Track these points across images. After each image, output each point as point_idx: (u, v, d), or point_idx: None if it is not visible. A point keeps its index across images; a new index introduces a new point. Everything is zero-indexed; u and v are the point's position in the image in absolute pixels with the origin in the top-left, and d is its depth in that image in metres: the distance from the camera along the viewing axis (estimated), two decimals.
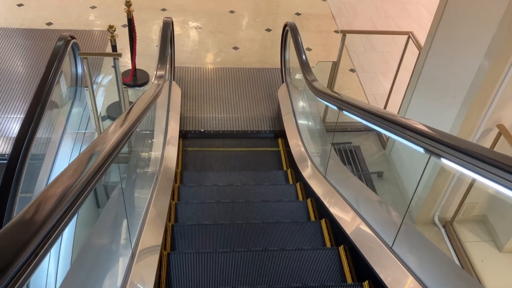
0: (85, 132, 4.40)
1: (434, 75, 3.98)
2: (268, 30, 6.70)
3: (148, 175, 3.42)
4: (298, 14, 7.09)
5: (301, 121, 4.61)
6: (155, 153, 3.59)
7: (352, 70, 6.08)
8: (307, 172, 3.69)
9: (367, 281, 2.46)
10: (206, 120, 5.13)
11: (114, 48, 4.62)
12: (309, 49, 6.35)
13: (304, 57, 4.31)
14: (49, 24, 6.36)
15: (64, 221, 1.11)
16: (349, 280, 2.63)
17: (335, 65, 4.61)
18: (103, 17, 6.61)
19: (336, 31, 6.81)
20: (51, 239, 1.02)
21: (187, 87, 5.55)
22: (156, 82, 3.51)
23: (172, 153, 3.80)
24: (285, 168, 4.25)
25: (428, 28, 7.09)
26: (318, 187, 3.41)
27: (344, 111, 3.08)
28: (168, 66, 5.28)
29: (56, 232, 1.05)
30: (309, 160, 3.85)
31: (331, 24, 6.96)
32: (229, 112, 5.27)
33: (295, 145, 4.16)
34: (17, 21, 6.36)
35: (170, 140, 3.94)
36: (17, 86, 5.36)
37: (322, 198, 3.21)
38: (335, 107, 3.26)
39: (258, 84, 5.70)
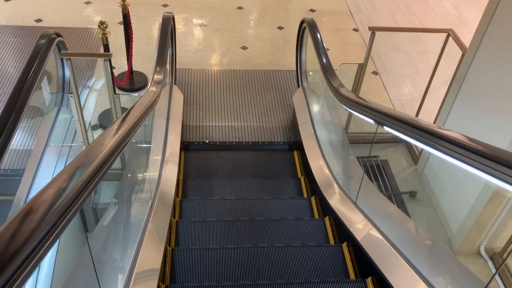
0: (71, 146, 3.80)
1: (483, 80, 3.35)
2: (280, 28, 6.08)
3: (141, 202, 2.81)
4: (312, 10, 6.46)
5: (321, 133, 3.98)
6: (151, 174, 2.98)
7: (375, 73, 5.45)
8: (334, 200, 3.07)
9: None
10: (211, 130, 4.51)
11: (106, 47, 4.01)
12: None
13: (326, 59, 3.69)
14: (38, 20, 5.76)
15: (43, 249, 0.96)
16: None
17: (362, 68, 3.98)
18: (99, 14, 6.01)
19: (355, 29, 6.18)
20: (27, 270, 0.89)
21: (190, 92, 4.94)
22: (152, 88, 2.90)
23: (171, 174, 3.18)
24: (306, 195, 3.61)
25: (456, 26, 6.49)
26: (350, 221, 2.79)
27: (385, 127, 2.46)
28: (168, 67, 4.67)
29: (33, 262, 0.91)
30: (335, 185, 3.22)
31: (349, 22, 6.33)
32: (237, 120, 4.66)
33: (318, 166, 3.52)
34: (4, 17, 5.77)
35: (169, 158, 3.32)
36: (1, 89, 4.77)
37: (361, 242, 2.59)
38: (371, 121, 2.63)
39: (270, 89, 5.08)
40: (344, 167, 3.62)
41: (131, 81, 4.91)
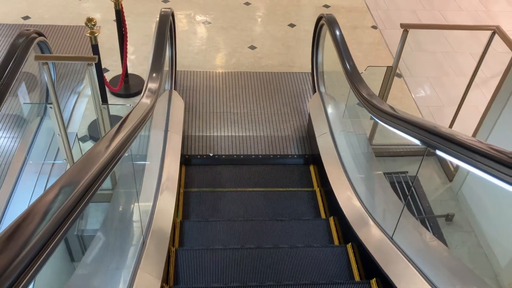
0: (53, 163, 3.28)
1: None
2: (292, 25, 5.53)
3: (129, 241, 2.28)
4: (326, 6, 5.91)
5: (343, 147, 3.44)
6: (143, 205, 2.45)
7: (398, 75, 4.89)
8: (367, 236, 2.52)
9: None
10: (216, 141, 3.98)
11: (95, 48, 3.48)
12: None
13: (351, 62, 3.16)
14: (26, 18, 5.24)
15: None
16: None
17: (391, 71, 3.44)
18: (93, 10, 5.49)
19: (374, 27, 5.63)
20: None
21: (193, 98, 4.41)
22: (145, 100, 2.37)
23: (167, 204, 2.64)
24: (336, 241, 3.06)
25: (484, 22, 5.93)
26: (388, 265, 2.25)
27: (439, 151, 1.92)
28: (168, 70, 4.15)
29: None
30: (370, 220, 2.67)
31: (367, 18, 5.78)
32: (245, 130, 4.12)
33: (345, 196, 2.96)
34: None
35: (166, 184, 2.78)
36: None
37: None
38: (418, 141, 2.09)
39: (281, 93, 4.53)
40: (373, 191, 3.08)
41: (126, 86, 4.38)
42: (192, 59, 4.90)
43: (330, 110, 3.83)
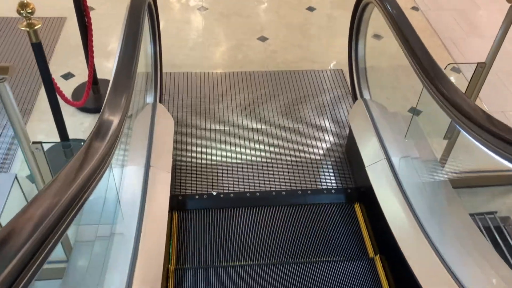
0: None
1: None
2: (311, 9, 4.37)
3: None
4: None
5: (410, 182, 2.31)
6: None
7: (457, 70, 3.75)
8: None
9: None
10: (221, 172, 2.84)
11: (37, 47, 2.34)
12: (378, 36, 4.02)
13: (428, 57, 2.02)
14: None
15: None
16: None
17: (483, 68, 2.30)
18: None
19: (415, 8, 4.48)
20: None
21: (186, 110, 3.26)
22: (83, 151, 1.21)
23: None
24: None
25: None
26: None
27: None
28: (150, 74, 3.01)
29: None
30: None
31: None
32: (259, 153, 2.99)
33: (432, 276, 1.83)
34: None
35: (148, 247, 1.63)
36: None
37: None
38: None
39: (305, 100, 3.38)
40: (473, 258, 1.95)
41: (96, 97, 3.24)
42: (185, 57, 3.75)
43: (382, 125, 2.68)
